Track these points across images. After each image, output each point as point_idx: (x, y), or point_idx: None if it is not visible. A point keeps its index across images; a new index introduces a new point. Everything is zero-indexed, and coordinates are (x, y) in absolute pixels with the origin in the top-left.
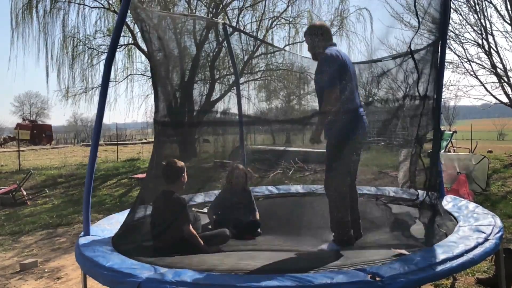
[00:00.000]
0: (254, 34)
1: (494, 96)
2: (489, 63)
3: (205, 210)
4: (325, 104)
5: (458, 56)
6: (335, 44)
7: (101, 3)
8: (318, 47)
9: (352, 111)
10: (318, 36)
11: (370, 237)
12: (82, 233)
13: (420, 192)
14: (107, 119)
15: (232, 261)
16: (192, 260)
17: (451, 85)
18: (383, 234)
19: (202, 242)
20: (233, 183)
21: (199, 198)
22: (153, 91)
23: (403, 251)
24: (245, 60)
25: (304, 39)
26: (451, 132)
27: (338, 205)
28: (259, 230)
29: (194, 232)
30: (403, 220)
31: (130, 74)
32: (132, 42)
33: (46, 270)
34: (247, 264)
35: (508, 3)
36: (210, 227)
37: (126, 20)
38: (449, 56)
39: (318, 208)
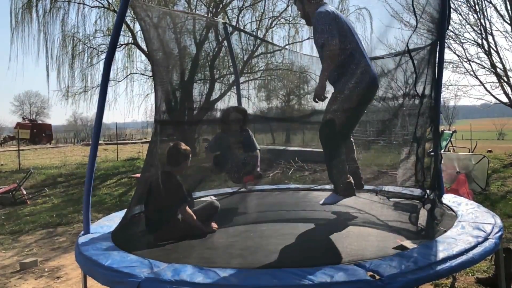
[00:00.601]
0: (254, 33)
1: (493, 96)
2: (488, 63)
3: (205, 198)
4: (326, 57)
5: (458, 55)
6: (326, 3)
7: (101, 3)
8: (310, 11)
9: (359, 62)
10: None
11: (371, 228)
12: (82, 232)
13: (420, 191)
14: (106, 119)
15: (231, 256)
16: (191, 255)
17: (451, 85)
18: (383, 225)
19: (198, 222)
20: (231, 126)
21: (199, 195)
22: (153, 91)
23: (406, 244)
24: (245, 59)
25: (303, 39)
26: (451, 132)
27: (333, 152)
28: (258, 169)
29: (190, 211)
30: (404, 212)
31: (130, 74)
32: (132, 41)
33: (46, 270)
34: (246, 259)
35: (507, 3)
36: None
37: (126, 20)
38: (449, 55)
39: (317, 199)
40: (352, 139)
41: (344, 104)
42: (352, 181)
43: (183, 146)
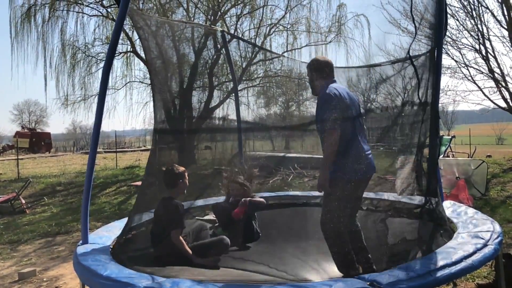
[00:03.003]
0: (252, 41)
1: (492, 101)
2: (486, 68)
3: (206, 217)
4: (327, 146)
5: (456, 61)
6: (335, 81)
7: (99, 11)
8: (318, 82)
9: (355, 151)
10: (320, 71)
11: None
12: (81, 241)
13: (420, 198)
14: (106, 127)
15: (230, 271)
16: (192, 272)
17: (449, 90)
18: (382, 246)
19: (189, 251)
20: (232, 196)
21: (199, 203)
22: (152, 99)
23: None
24: (243, 67)
25: (302, 45)
26: (450, 137)
27: (336, 242)
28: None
29: (182, 239)
30: (402, 232)
31: (129, 82)
32: (131, 49)
33: (45, 279)
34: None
35: (504, 8)
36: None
37: (125, 28)
38: (447, 61)
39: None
40: (358, 224)
41: (338, 193)
42: (360, 270)
43: (175, 167)
